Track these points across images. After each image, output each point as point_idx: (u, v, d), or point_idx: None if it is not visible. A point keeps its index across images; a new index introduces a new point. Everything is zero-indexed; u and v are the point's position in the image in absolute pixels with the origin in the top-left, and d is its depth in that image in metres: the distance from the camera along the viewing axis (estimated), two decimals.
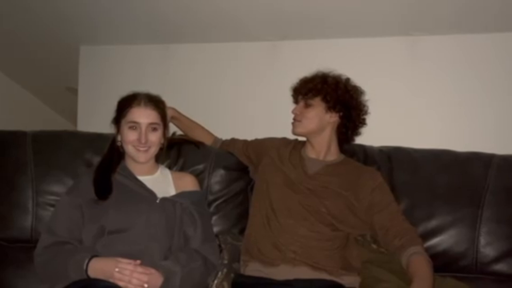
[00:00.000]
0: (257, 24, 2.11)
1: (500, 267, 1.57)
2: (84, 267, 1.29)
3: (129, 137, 1.48)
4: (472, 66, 2.00)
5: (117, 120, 1.53)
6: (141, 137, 1.46)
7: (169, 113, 1.71)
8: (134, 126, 1.47)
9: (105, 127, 1.65)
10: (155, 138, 1.50)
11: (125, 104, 1.51)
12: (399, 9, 1.90)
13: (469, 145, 1.78)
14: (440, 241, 1.61)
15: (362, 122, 1.69)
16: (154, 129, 1.50)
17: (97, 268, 1.30)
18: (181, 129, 1.87)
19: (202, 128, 1.88)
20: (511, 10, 1.80)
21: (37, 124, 1.85)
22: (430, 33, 2.00)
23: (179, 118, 1.84)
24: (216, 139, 1.86)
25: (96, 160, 1.62)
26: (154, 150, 1.51)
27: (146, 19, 2.19)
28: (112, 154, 1.55)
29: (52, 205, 1.60)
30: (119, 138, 1.53)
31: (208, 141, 1.84)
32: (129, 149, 1.49)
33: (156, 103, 1.53)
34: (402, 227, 1.50)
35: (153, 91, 1.56)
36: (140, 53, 2.36)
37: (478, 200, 1.61)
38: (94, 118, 2.23)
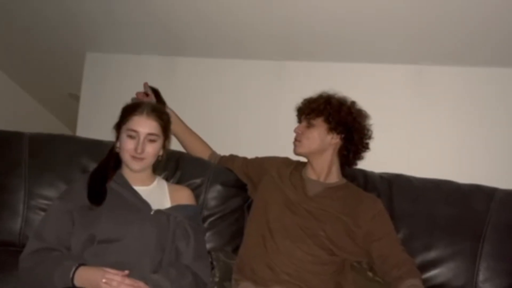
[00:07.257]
0: (265, 42, 2.11)
1: None
2: (71, 275, 1.25)
3: (126, 145, 1.46)
4: (476, 98, 2.00)
5: (119, 126, 1.51)
6: (137, 147, 1.44)
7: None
8: (133, 134, 1.46)
9: (104, 135, 1.62)
10: (152, 149, 1.47)
11: (128, 111, 1.50)
12: (407, 38, 1.92)
13: (470, 177, 1.76)
14: (438, 273, 1.57)
15: (365, 146, 1.67)
16: (152, 141, 1.47)
17: (84, 277, 1.25)
18: (176, 135, 1.82)
19: (200, 138, 1.85)
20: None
21: (35, 128, 1.83)
22: (436, 63, 2.01)
23: (176, 122, 1.78)
24: (213, 153, 1.83)
25: (92, 166, 1.59)
26: (150, 160, 1.49)
27: (153, 30, 2.20)
28: (110, 160, 1.53)
29: (43, 209, 1.56)
30: (118, 144, 1.51)
31: (204, 154, 1.81)
32: (125, 156, 1.47)
33: (158, 114, 1.51)
34: (401, 257, 1.46)
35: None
36: (145, 63, 2.36)
37: (479, 234, 1.58)
38: (94, 126, 2.21)
